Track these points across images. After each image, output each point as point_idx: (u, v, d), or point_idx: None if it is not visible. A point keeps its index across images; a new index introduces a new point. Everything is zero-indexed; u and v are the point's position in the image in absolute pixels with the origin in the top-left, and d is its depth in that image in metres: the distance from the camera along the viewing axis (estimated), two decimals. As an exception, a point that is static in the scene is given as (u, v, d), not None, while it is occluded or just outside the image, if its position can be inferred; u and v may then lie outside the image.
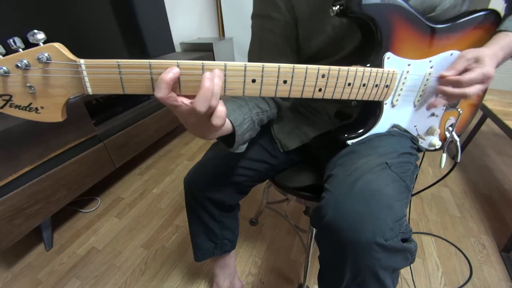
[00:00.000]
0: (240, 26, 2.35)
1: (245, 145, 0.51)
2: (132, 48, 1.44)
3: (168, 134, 1.70)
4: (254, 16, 0.57)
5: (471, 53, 0.44)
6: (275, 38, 0.55)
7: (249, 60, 0.59)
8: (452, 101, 0.53)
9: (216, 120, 0.33)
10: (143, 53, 1.53)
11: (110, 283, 0.89)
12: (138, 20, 1.44)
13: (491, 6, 0.51)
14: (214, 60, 1.96)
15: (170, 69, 0.30)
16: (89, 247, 1.03)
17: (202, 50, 1.97)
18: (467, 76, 0.42)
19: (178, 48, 1.99)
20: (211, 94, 0.31)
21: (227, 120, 0.43)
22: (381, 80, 0.44)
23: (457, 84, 0.44)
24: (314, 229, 0.73)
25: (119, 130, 1.25)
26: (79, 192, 1.09)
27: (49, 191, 0.96)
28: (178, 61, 0.31)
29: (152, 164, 1.55)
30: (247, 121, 0.47)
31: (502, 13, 0.51)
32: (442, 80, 0.46)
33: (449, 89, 0.45)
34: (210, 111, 0.32)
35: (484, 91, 0.56)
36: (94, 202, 1.26)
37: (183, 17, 2.05)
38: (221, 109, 0.32)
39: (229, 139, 0.47)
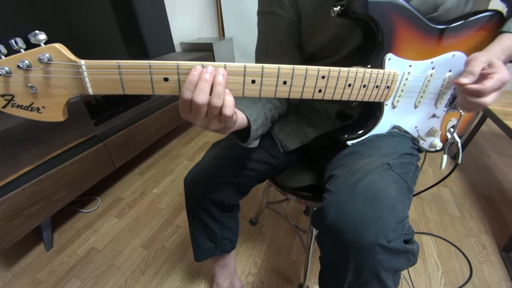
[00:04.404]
0: (240, 26, 2.35)
1: (258, 141, 0.52)
2: (132, 48, 1.44)
3: (168, 134, 1.70)
4: (259, 13, 0.58)
5: (484, 56, 0.42)
6: (280, 34, 0.55)
7: (256, 58, 0.61)
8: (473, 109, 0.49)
9: (227, 110, 0.34)
10: (143, 53, 1.53)
11: (110, 283, 0.89)
12: (138, 20, 1.44)
13: (491, 7, 0.50)
14: (214, 60, 1.96)
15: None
16: (89, 247, 1.03)
17: (202, 50, 1.98)
18: (488, 85, 0.40)
19: (178, 48, 1.99)
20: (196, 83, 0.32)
21: (243, 115, 0.45)
22: (381, 81, 0.44)
23: (478, 94, 0.41)
24: (314, 229, 0.73)
25: (119, 130, 1.25)
26: (79, 192, 1.09)
27: (49, 191, 0.96)
28: (178, 62, 0.31)
29: (152, 164, 1.55)
30: (261, 116, 0.49)
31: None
32: (460, 88, 0.43)
33: (469, 98, 0.43)
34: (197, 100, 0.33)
35: None
36: (94, 202, 1.26)
37: (183, 17, 2.05)
38: (229, 98, 0.34)
39: (241, 134, 0.49)
